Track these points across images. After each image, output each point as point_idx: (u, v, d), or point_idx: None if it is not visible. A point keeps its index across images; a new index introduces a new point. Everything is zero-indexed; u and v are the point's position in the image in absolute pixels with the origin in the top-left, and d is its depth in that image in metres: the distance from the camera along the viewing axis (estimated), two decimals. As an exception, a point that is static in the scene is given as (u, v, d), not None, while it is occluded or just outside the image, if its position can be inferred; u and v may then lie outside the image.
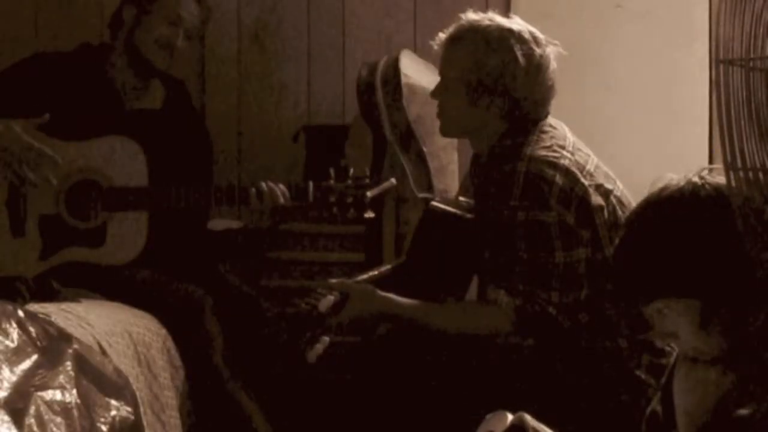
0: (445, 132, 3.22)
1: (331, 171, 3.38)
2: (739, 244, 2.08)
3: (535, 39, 3.08)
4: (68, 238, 3.49)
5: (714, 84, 2.07)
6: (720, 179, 2.17)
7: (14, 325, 2.62)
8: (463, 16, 3.13)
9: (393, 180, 3.39)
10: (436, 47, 3.15)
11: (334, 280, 3.19)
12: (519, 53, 3.04)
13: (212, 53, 4.48)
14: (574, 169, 3.00)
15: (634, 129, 4.24)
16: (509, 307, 2.96)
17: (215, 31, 4.44)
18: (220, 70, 4.49)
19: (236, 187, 3.43)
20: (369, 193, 3.33)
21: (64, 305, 3.15)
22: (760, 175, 2.02)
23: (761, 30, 2.01)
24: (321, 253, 4.13)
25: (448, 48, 3.11)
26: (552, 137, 3.06)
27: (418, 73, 3.99)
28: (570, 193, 2.96)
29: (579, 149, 3.08)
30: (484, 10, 3.18)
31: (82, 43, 3.75)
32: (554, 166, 2.98)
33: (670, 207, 2.21)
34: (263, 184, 3.39)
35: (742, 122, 2.03)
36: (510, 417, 2.40)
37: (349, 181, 3.36)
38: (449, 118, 3.14)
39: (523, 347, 2.99)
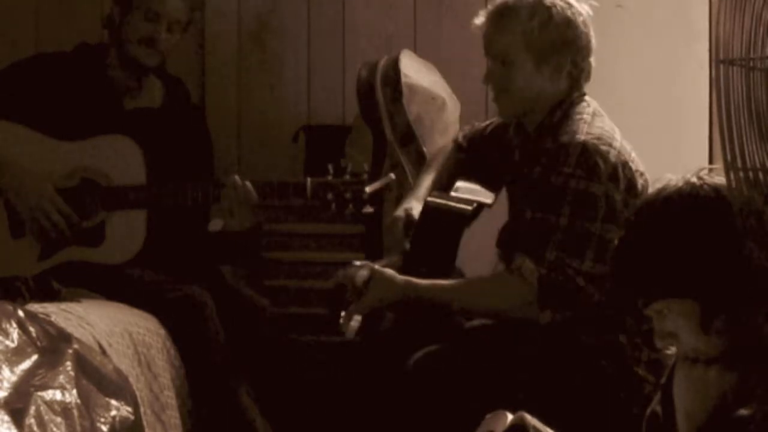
0: (508, 110, 3.18)
1: (330, 167, 3.38)
2: (738, 244, 2.08)
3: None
4: (68, 238, 3.48)
5: (714, 84, 2.07)
6: (719, 179, 2.17)
7: (14, 325, 2.62)
8: None
9: (392, 175, 3.38)
10: (478, 26, 3.13)
11: (358, 262, 3.17)
12: (578, 11, 3.12)
13: (212, 53, 4.48)
14: (624, 151, 3.05)
15: (634, 129, 4.23)
16: (533, 276, 2.96)
17: (215, 31, 4.44)
18: (220, 69, 4.49)
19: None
20: (367, 189, 3.32)
21: (64, 305, 3.15)
22: (760, 175, 2.02)
23: (761, 30, 2.02)
24: (321, 253, 4.13)
25: (500, 22, 3.11)
26: (602, 120, 3.11)
27: (418, 73, 3.99)
28: (620, 172, 3.01)
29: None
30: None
31: (80, 43, 3.75)
32: (609, 144, 3.03)
33: (669, 208, 2.21)
34: (235, 178, 3.39)
35: (742, 122, 2.04)
36: (510, 417, 2.40)
37: (347, 177, 3.36)
38: (515, 91, 3.12)
39: (523, 345, 2.99)
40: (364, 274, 3.08)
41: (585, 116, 3.09)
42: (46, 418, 2.43)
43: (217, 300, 3.44)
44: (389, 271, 3.09)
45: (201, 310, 3.38)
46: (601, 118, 3.12)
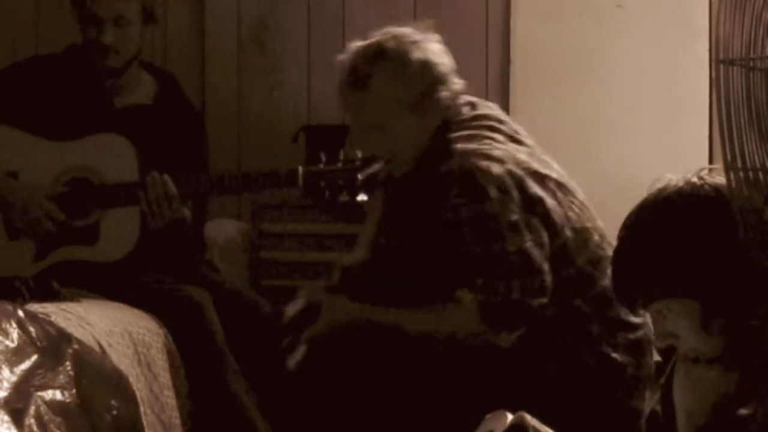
0: (404, 168, 3.12)
1: (322, 155, 3.37)
2: (738, 244, 2.08)
3: (411, 33, 3.10)
4: (63, 237, 3.49)
5: (714, 84, 2.07)
6: (719, 179, 2.17)
7: (14, 325, 2.62)
8: (342, 59, 3.09)
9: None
10: (344, 99, 3.09)
11: (304, 289, 3.17)
12: (426, 47, 3.06)
13: (212, 53, 4.48)
14: (506, 157, 2.99)
15: (634, 129, 4.24)
16: (473, 304, 2.95)
17: (215, 31, 4.44)
18: (220, 69, 4.49)
19: (226, 176, 3.44)
20: (360, 175, 3.31)
21: (64, 305, 3.15)
22: (760, 175, 2.02)
23: (761, 30, 2.02)
24: (321, 253, 4.13)
25: (363, 93, 3.05)
26: (478, 128, 3.06)
27: (418, 73, 3.99)
28: (507, 180, 2.96)
29: (512, 136, 3.08)
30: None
31: (70, 44, 3.74)
32: (487, 156, 2.98)
33: (669, 208, 2.21)
34: (153, 174, 3.39)
35: (742, 122, 2.04)
36: (510, 417, 2.40)
37: (340, 165, 3.36)
38: (404, 151, 3.08)
39: (500, 347, 2.98)
40: (297, 303, 3.07)
41: (460, 133, 3.04)
42: (46, 418, 2.44)
43: (217, 300, 3.44)
44: (341, 297, 3.08)
45: (201, 310, 3.38)
46: (474, 127, 3.06)
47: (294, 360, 3.09)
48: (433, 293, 3.06)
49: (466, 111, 3.10)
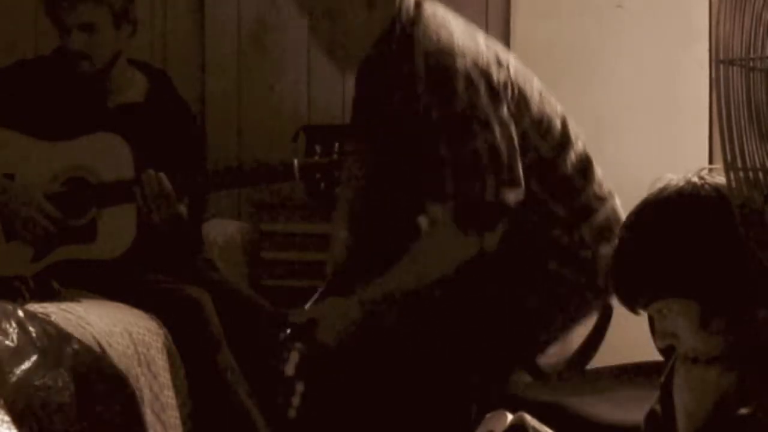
0: (354, 58, 3.08)
1: (317, 147, 3.38)
2: (738, 244, 2.08)
3: None
4: (61, 237, 3.50)
5: (714, 84, 2.07)
6: (719, 179, 2.17)
7: (14, 325, 2.63)
8: None
9: None
10: None
11: (294, 315, 3.14)
12: None
13: (212, 53, 4.48)
14: (468, 47, 2.95)
15: (634, 129, 4.24)
16: (447, 217, 2.90)
17: (215, 32, 4.44)
18: (220, 70, 4.49)
19: (221, 170, 3.45)
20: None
21: (64, 305, 3.15)
22: (760, 175, 2.02)
23: (761, 30, 2.02)
24: (321, 253, 4.13)
25: None
26: (436, 24, 2.99)
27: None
28: (473, 74, 2.92)
29: (462, 27, 3.03)
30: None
31: (59, 45, 3.74)
32: (450, 51, 2.93)
33: (669, 208, 2.21)
34: (149, 172, 3.39)
35: (742, 122, 2.04)
36: (510, 417, 2.40)
37: (335, 156, 3.36)
38: (356, 39, 3.03)
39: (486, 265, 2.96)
40: (295, 356, 3.03)
41: (416, 29, 2.97)
42: (46, 418, 2.44)
43: (217, 300, 3.44)
44: (330, 299, 3.05)
45: (201, 310, 3.39)
46: (430, 20, 2.98)
47: (294, 408, 3.06)
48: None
49: (416, 8, 3.02)
